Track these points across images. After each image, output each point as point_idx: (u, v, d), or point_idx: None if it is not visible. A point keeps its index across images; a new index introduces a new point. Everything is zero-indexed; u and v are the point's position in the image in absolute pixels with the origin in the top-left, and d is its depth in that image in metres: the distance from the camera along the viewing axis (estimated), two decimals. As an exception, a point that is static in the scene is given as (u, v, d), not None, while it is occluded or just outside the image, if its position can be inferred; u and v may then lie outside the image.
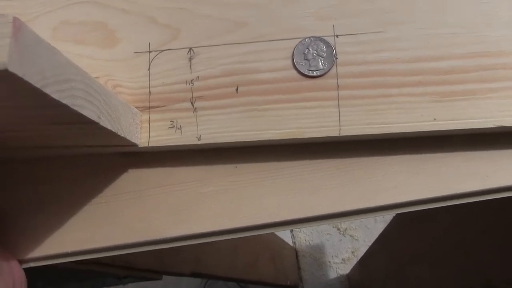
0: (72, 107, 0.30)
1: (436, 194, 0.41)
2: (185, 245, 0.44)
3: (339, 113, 0.41)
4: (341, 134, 0.41)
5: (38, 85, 0.26)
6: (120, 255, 0.45)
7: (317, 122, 0.41)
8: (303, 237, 1.76)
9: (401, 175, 0.41)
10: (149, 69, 0.44)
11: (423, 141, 0.41)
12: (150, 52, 0.45)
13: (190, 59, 0.44)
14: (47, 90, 0.27)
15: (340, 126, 0.41)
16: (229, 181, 0.44)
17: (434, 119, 0.40)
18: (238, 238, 0.43)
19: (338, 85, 0.41)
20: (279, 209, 0.42)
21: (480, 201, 0.41)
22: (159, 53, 0.44)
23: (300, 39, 0.43)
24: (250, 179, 0.43)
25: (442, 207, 0.41)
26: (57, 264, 0.46)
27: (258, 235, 0.43)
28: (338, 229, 1.75)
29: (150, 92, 0.44)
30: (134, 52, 0.45)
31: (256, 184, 0.43)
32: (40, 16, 0.47)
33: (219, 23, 0.44)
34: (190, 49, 0.44)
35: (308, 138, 0.41)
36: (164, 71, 0.44)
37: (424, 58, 0.41)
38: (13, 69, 0.24)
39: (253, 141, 0.42)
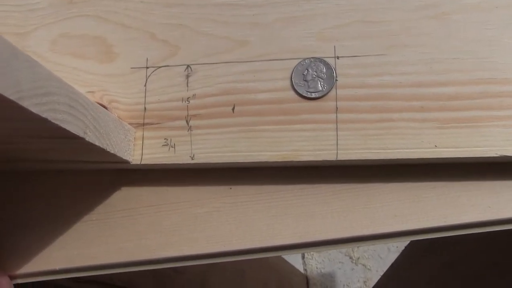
0: (53, 121, 0.29)
1: (434, 224, 0.39)
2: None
3: (337, 136, 0.40)
4: (338, 159, 0.39)
5: (12, 97, 0.25)
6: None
7: (314, 145, 0.40)
8: (315, 264, 1.73)
9: (399, 203, 0.40)
10: (145, 85, 0.43)
11: (423, 169, 0.40)
12: (147, 68, 0.44)
13: (188, 76, 0.43)
14: (24, 103, 0.26)
15: (337, 150, 0.39)
16: (222, 203, 0.42)
17: (435, 146, 0.38)
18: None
19: (337, 108, 0.40)
20: (272, 234, 0.41)
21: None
22: (156, 70, 0.44)
23: (300, 60, 0.42)
24: (244, 201, 0.42)
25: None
26: (50, 281, 0.45)
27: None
28: (351, 257, 1.71)
29: (145, 108, 0.43)
30: (131, 68, 0.44)
31: (249, 207, 0.42)
32: (39, 28, 0.47)
33: (218, 41, 0.43)
34: (188, 66, 0.43)
35: (304, 161, 0.40)
36: (160, 88, 0.43)
37: (427, 83, 0.40)
38: (-16, 81, 0.23)
39: (248, 162, 0.41)
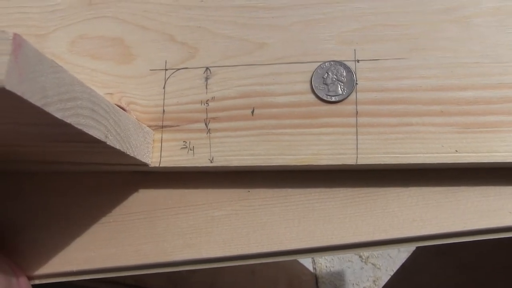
0: (76, 126, 0.29)
1: (454, 229, 0.39)
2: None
3: (357, 140, 0.39)
4: (358, 163, 0.39)
5: (38, 103, 0.25)
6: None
7: (333, 149, 0.40)
8: (324, 263, 1.72)
9: (418, 208, 0.40)
10: (164, 87, 0.43)
11: (443, 173, 0.40)
12: (166, 70, 0.44)
13: (207, 79, 0.43)
14: (49, 109, 0.26)
15: (357, 154, 0.39)
16: (240, 206, 0.42)
17: (456, 150, 0.38)
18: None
19: (357, 112, 0.40)
20: (289, 238, 0.41)
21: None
22: (175, 72, 0.44)
23: (319, 63, 0.41)
24: (262, 204, 0.42)
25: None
26: (62, 282, 0.45)
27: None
28: (360, 256, 1.70)
29: (164, 111, 0.43)
30: (150, 70, 0.44)
31: (268, 210, 0.42)
32: (58, 30, 0.47)
33: (238, 44, 0.43)
34: (207, 68, 0.43)
35: (324, 165, 0.40)
36: (179, 90, 0.43)
37: (447, 87, 0.39)
38: (12, 87, 0.23)
39: (267, 165, 0.41)
